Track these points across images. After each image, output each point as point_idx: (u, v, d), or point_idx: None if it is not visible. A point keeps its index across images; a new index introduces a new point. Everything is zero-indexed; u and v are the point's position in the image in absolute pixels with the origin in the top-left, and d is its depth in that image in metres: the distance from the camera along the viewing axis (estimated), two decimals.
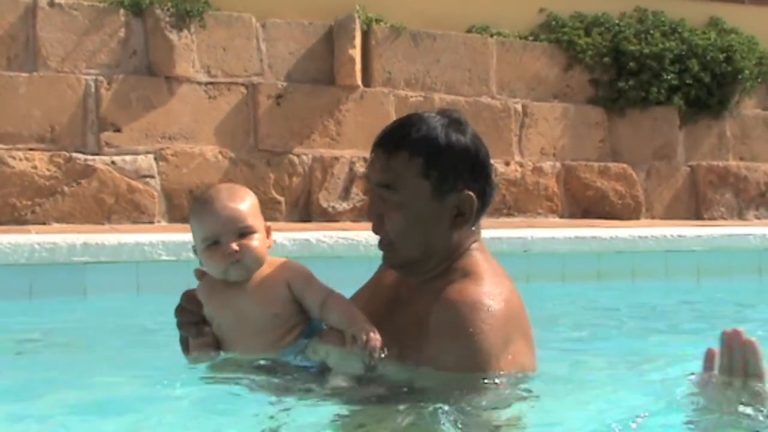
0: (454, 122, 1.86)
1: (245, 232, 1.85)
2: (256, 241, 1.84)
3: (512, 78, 6.63)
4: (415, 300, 1.83)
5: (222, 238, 1.83)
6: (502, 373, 1.72)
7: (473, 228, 1.87)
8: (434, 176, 1.81)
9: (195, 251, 1.90)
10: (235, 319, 1.84)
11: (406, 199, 1.81)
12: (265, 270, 1.86)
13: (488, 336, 1.71)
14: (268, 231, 1.90)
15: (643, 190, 6.89)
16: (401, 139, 1.82)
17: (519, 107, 6.60)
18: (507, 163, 6.46)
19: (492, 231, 4.48)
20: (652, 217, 6.94)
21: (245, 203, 1.88)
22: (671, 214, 7.01)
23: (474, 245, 1.87)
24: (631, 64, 6.79)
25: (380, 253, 1.89)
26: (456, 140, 1.83)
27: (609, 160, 6.83)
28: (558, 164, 6.65)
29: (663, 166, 7.02)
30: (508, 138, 6.52)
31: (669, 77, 6.84)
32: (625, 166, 6.83)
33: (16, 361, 2.57)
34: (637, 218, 6.80)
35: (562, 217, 6.62)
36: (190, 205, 1.91)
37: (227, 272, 1.83)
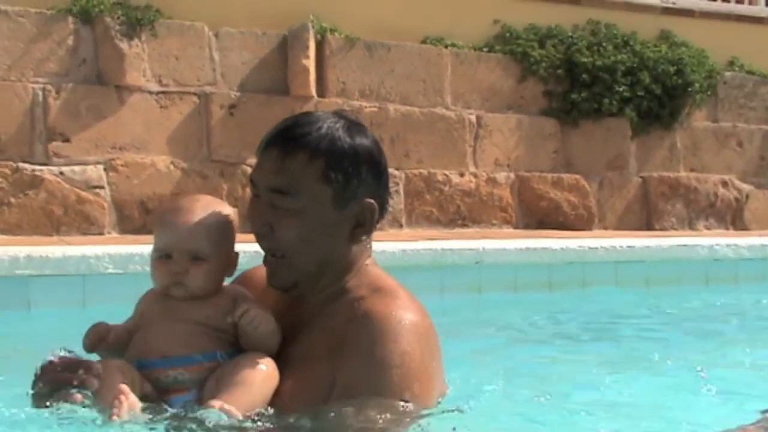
0: (354, 124, 1.72)
1: (199, 257, 1.72)
2: (206, 271, 1.71)
3: (467, 89, 6.65)
4: (319, 322, 1.68)
5: (174, 254, 1.72)
6: (429, 396, 1.62)
7: (367, 241, 1.74)
8: (337, 181, 1.66)
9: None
10: (165, 312, 1.73)
11: (304, 206, 1.65)
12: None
13: (417, 355, 1.59)
14: (233, 259, 1.76)
15: (595, 200, 6.96)
16: (299, 138, 1.65)
17: (473, 118, 6.63)
18: (461, 174, 6.48)
19: (444, 242, 4.51)
20: (605, 228, 7.00)
21: (211, 226, 1.73)
22: (624, 224, 7.08)
23: (368, 260, 1.74)
24: (584, 75, 6.86)
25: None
26: (360, 143, 1.69)
27: (562, 171, 6.89)
28: (512, 175, 6.69)
29: (615, 177, 7.10)
30: (463, 149, 6.55)
31: (621, 89, 6.92)
32: (578, 177, 6.89)
33: None
34: (590, 229, 6.86)
35: (516, 227, 6.65)
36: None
37: (169, 288, 1.73)
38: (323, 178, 1.65)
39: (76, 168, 5.38)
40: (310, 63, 6.00)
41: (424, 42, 6.66)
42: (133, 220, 5.46)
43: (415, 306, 1.67)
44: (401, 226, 6.18)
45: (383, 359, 1.57)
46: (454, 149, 6.49)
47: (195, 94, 5.78)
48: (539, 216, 6.75)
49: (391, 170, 6.76)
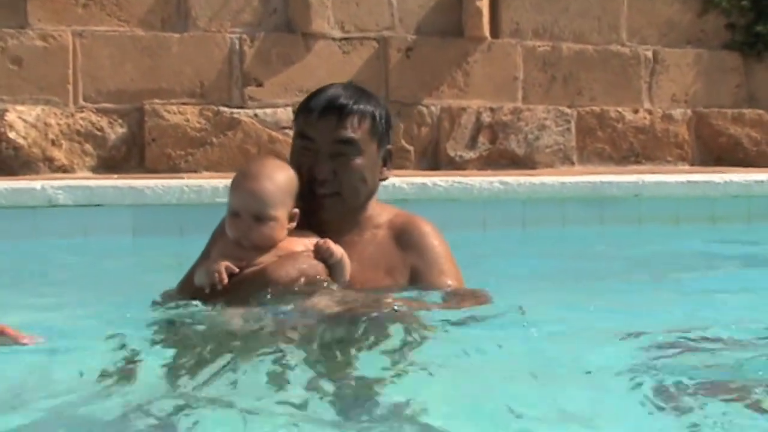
0: (368, 91, 2.33)
1: (261, 217, 2.07)
2: (267, 228, 2.07)
3: (643, 25, 6.59)
4: (365, 243, 2.24)
5: (241, 213, 2.08)
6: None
7: None
8: (377, 134, 2.26)
9: None
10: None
11: (361, 153, 2.21)
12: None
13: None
14: (292, 216, 2.13)
15: None
16: (352, 105, 2.22)
17: (650, 54, 6.58)
18: (635, 111, 6.48)
19: (603, 176, 4.63)
20: None
21: (271, 191, 2.08)
22: None
23: None
24: None
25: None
26: (383, 105, 2.34)
27: (744, 107, 6.70)
28: (689, 111, 6.60)
29: None
30: (638, 85, 6.53)
31: None
32: (761, 112, 6.68)
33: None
34: None
35: (692, 164, 6.58)
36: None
37: (238, 240, 2.10)
38: (371, 131, 2.25)
39: (268, 110, 5.91)
40: (484, 5, 6.17)
41: None
42: None
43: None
44: (573, 163, 6.30)
45: (445, 249, 2.29)
46: (628, 86, 6.49)
47: (374, 39, 6.14)
48: (717, 152, 6.63)
49: (562, 108, 6.86)
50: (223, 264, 2.07)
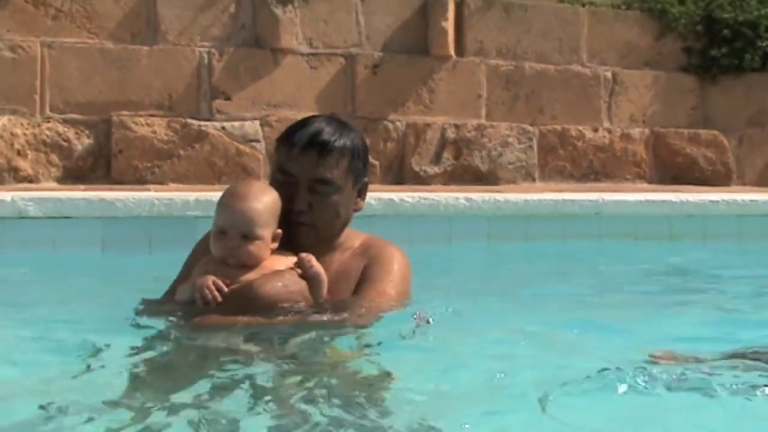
0: (350, 124, 2.41)
1: (249, 236, 2.15)
2: (254, 246, 2.16)
3: (603, 47, 6.78)
4: (333, 262, 2.31)
5: (229, 232, 2.15)
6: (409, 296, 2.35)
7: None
8: (355, 171, 2.32)
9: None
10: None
11: (338, 191, 2.27)
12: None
13: (409, 272, 2.38)
14: (276, 236, 2.22)
15: (734, 157, 6.96)
16: (331, 143, 2.29)
17: (609, 75, 6.76)
18: (595, 130, 6.65)
19: (565, 194, 4.76)
20: (744, 184, 7.00)
21: (259, 211, 2.17)
22: (764, 180, 7.04)
23: None
24: (725, 31, 6.83)
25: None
26: (361, 139, 2.40)
27: (700, 127, 6.92)
28: (647, 131, 6.80)
29: (756, 133, 7.05)
30: (597, 105, 6.71)
31: (764, 44, 6.85)
32: (715, 132, 6.90)
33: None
34: (728, 185, 6.88)
35: (650, 182, 6.77)
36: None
37: (225, 258, 2.17)
38: (349, 169, 2.31)
39: (236, 123, 5.97)
40: (449, 25, 6.31)
41: (561, 1, 6.82)
42: None
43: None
44: (534, 180, 6.45)
45: (401, 265, 2.34)
46: (588, 105, 6.66)
47: (342, 55, 6.23)
48: (674, 171, 6.83)
49: (525, 126, 7.01)
50: (211, 279, 2.13)
